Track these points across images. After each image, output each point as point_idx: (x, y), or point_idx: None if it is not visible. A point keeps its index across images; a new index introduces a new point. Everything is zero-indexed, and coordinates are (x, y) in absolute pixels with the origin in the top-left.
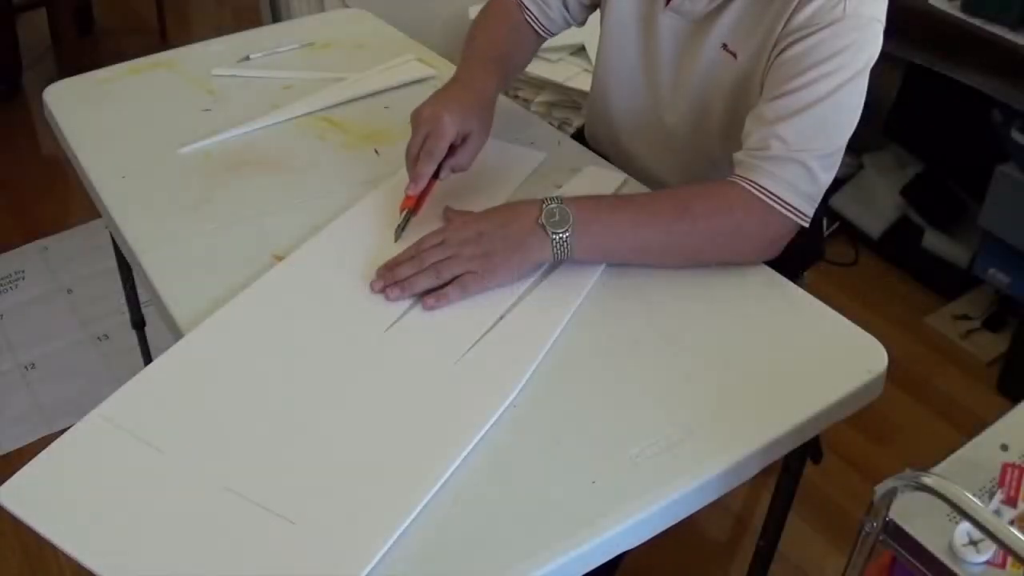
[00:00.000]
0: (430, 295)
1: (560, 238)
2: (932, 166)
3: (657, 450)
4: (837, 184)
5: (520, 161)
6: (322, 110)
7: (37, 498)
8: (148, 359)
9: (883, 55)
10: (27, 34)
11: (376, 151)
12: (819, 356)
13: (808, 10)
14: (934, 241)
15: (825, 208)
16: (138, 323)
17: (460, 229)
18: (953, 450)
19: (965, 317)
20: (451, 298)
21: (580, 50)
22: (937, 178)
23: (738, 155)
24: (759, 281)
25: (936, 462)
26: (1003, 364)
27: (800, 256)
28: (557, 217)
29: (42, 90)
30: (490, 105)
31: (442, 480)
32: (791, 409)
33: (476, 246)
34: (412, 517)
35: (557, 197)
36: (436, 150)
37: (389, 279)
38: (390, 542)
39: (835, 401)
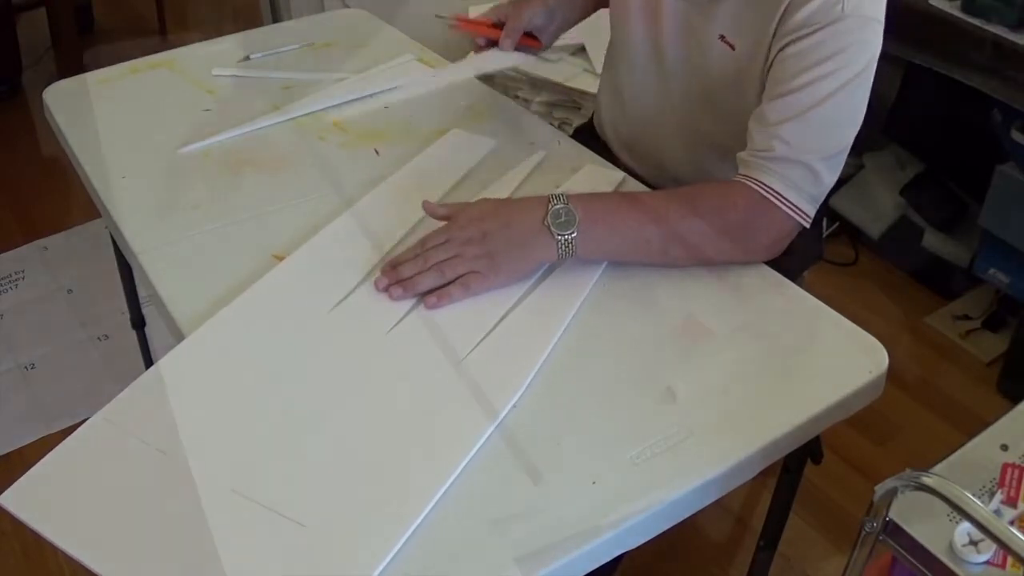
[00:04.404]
0: (432, 294)
1: (565, 239)
2: (932, 166)
3: (657, 450)
4: (837, 184)
5: (520, 161)
6: (322, 110)
7: (43, 502)
8: (148, 359)
9: (883, 55)
10: (27, 34)
11: (376, 151)
12: (819, 356)
13: (806, 10)
14: (934, 241)
15: (825, 208)
16: (138, 323)
17: (464, 228)
18: (953, 450)
19: (965, 317)
20: (454, 297)
21: (580, 50)
22: (937, 178)
23: (742, 155)
24: (759, 281)
25: (936, 462)
26: (1003, 364)
27: (800, 256)
28: (563, 219)
29: (42, 90)
30: (564, 23)
31: (450, 481)
32: (791, 409)
33: (480, 246)
34: (422, 518)
35: (562, 195)
36: (511, 28)
37: (393, 278)
38: (400, 544)
39: (835, 401)
